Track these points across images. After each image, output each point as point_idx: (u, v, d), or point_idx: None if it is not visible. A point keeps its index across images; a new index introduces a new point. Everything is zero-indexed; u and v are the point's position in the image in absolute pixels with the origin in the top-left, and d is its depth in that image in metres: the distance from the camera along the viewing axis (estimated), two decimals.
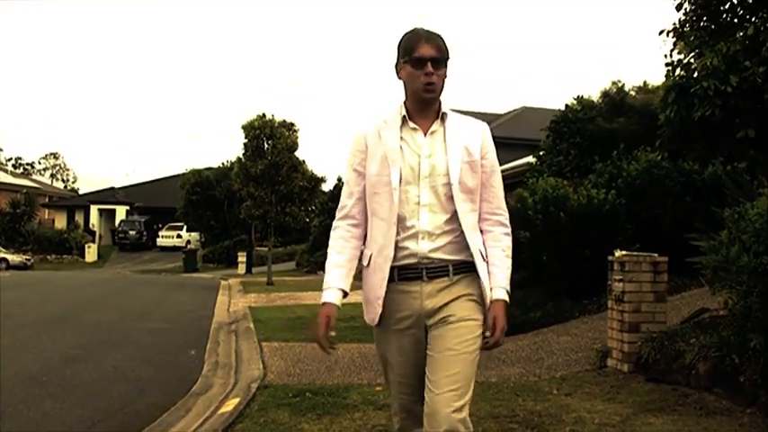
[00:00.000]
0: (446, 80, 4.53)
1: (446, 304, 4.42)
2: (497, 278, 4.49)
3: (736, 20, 8.90)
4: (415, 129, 4.48)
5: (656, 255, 8.10)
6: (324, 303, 4.42)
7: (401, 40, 4.58)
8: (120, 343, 11.52)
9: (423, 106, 4.47)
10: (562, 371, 8.26)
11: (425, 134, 4.47)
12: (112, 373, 9.08)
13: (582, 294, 11.59)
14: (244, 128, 27.62)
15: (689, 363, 7.00)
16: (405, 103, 4.58)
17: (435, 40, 4.51)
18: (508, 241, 4.67)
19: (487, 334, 4.50)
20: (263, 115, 27.82)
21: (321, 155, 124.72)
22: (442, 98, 4.57)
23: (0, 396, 7.63)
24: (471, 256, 4.52)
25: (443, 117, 4.49)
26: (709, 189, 11.89)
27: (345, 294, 4.48)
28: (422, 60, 4.41)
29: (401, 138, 4.50)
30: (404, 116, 4.48)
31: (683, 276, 10.56)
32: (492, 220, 4.60)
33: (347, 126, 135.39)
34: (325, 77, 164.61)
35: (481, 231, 4.68)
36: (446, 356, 4.28)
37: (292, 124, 27.99)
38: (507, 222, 4.73)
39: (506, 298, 4.52)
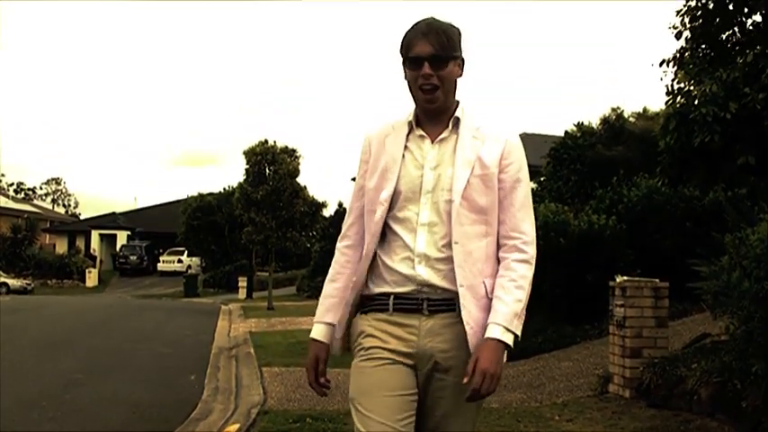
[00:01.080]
0: (456, 79, 3.95)
1: (449, 352, 3.75)
2: (497, 313, 3.74)
3: (736, 47, 8.95)
4: (422, 136, 3.72)
5: (657, 280, 8.11)
6: (312, 341, 3.99)
7: (403, 35, 4.20)
8: (121, 367, 11.50)
9: (428, 113, 3.94)
10: (563, 396, 8.25)
11: (433, 142, 3.92)
12: (112, 397, 9.06)
13: (583, 319, 11.59)
14: (245, 153, 27.72)
15: (691, 388, 6.98)
16: (415, 108, 4.07)
17: (435, 33, 3.77)
18: (522, 270, 3.87)
19: (465, 380, 3.82)
20: (265, 141, 27.95)
21: (323, 158, 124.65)
22: (459, 100, 4.01)
23: None
24: (482, 287, 3.91)
25: (456, 122, 3.90)
26: (710, 215, 11.93)
27: (334, 330, 4.04)
28: (418, 60, 3.70)
29: (405, 146, 3.86)
30: (410, 122, 3.92)
31: (685, 302, 10.57)
32: (507, 246, 3.86)
33: (349, 131, 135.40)
34: (326, 77, 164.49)
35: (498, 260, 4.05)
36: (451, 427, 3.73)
37: (294, 150, 28.09)
38: (526, 247, 3.88)
39: (502, 338, 3.71)
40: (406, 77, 3.87)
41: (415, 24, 3.88)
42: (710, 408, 6.83)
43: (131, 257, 56.25)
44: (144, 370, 11.36)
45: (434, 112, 3.79)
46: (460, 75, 3.82)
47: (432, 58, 3.71)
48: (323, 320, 3.95)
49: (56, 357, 12.25)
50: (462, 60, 3.81)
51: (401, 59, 3.88)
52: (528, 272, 3.89)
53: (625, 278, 8.24)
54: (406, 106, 4.00)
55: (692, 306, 10.78)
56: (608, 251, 11.84)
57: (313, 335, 3.91)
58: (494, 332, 3.68)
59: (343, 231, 4.07)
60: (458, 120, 3.79)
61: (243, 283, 36.37)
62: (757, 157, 8.37)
